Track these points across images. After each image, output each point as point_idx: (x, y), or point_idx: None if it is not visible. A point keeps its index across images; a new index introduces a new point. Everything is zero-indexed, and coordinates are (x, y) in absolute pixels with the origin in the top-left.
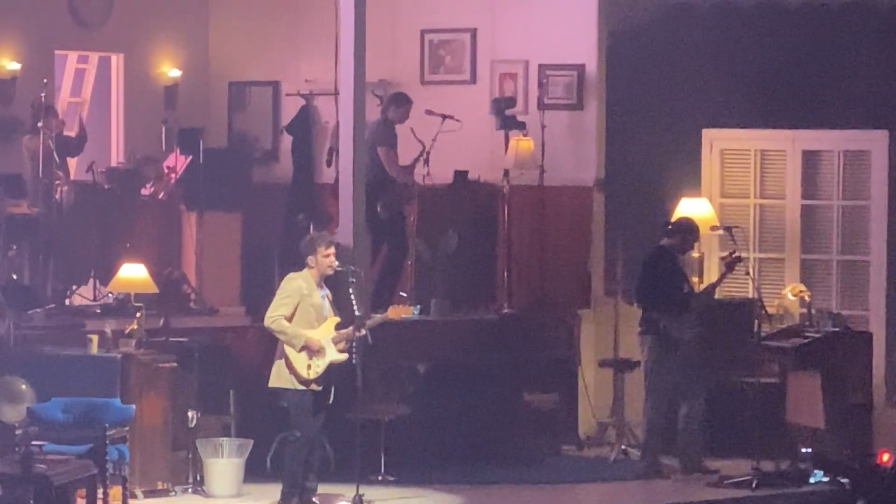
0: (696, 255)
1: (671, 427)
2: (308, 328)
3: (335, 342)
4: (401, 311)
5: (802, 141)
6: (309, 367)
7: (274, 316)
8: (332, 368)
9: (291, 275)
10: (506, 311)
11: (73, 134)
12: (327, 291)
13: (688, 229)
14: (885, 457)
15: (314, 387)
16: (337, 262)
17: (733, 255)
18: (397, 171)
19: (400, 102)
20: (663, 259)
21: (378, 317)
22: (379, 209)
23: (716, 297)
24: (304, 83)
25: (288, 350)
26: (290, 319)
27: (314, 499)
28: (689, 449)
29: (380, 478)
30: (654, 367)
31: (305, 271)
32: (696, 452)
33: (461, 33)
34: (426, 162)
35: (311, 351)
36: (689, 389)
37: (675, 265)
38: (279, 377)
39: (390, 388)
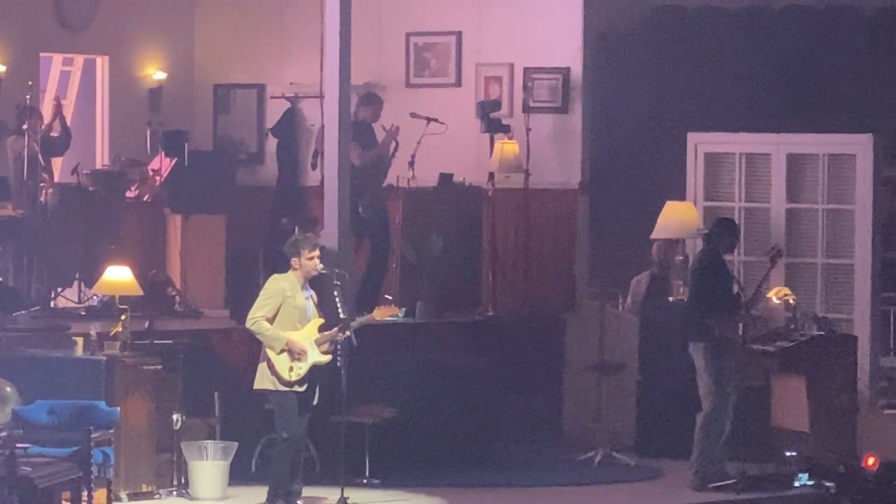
0: (679, 258)
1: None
2: (291, 330)
3: (318, 344)
4: (387, 312)
5: (787, 144)
6: (291, 369)
7: (255, 317)
8: (315, 370)
9: (275, 276)
10: (491, 313)
11: (56, 134)
12: (312, 293)
13: (729, 228)
14: (870, 460)
15: (297, 388)
16: (321, 265)
17: (775, 249)
18: (359, 159)
19: (368, 102)
20: (711, 262)
21: (363, 318)
22: (360, 210)
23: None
24: (290, 86)
25: (269, 352)
26: (271, 321)
27: (298, 501)
28: (720, 454)
29: (364, 480)
30: (722, 372)
31: (290, 273)
32: (721, 458)
33: (446, 36)
34: (411, 164)
35: (293, 353)
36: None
37: (723, 267)
38: (262, 379)
39: (375, 391)
